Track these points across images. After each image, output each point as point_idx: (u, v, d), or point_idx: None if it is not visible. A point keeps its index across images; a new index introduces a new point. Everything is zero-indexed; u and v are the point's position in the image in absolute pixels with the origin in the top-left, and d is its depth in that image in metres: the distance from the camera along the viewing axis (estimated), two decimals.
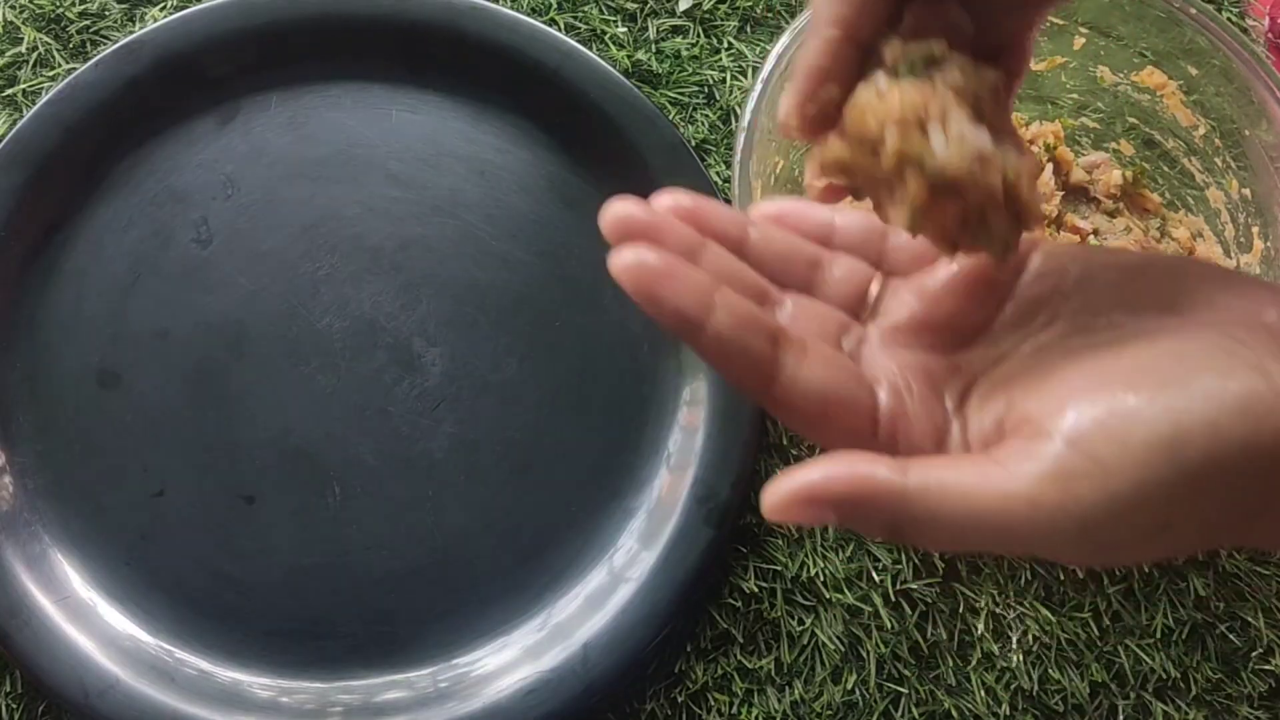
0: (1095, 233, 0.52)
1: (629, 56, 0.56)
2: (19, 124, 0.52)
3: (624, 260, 0.29)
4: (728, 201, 0.53)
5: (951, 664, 0.50)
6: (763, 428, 0.52)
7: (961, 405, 0.30)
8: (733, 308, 0.29)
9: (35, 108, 0.52)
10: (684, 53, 0.57)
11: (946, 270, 0.33)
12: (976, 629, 0.50)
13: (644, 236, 0.30)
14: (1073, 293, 0.31)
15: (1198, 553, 0.52)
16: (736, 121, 0.53)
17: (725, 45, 0.57)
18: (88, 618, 0.49)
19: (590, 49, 0.55)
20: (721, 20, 0.57)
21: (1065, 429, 0.26)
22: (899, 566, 0.51)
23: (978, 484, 0.26)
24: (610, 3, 0.57)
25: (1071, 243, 0.32)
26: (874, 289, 0.34)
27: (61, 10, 0.56)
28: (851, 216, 0.35)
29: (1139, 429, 0.26)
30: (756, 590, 0.50)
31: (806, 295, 0.33)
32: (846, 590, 0.50)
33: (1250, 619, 0.51)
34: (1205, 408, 0.26)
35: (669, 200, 0.31)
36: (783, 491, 0.27)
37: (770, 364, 0.29)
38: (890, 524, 0.27)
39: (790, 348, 0.30)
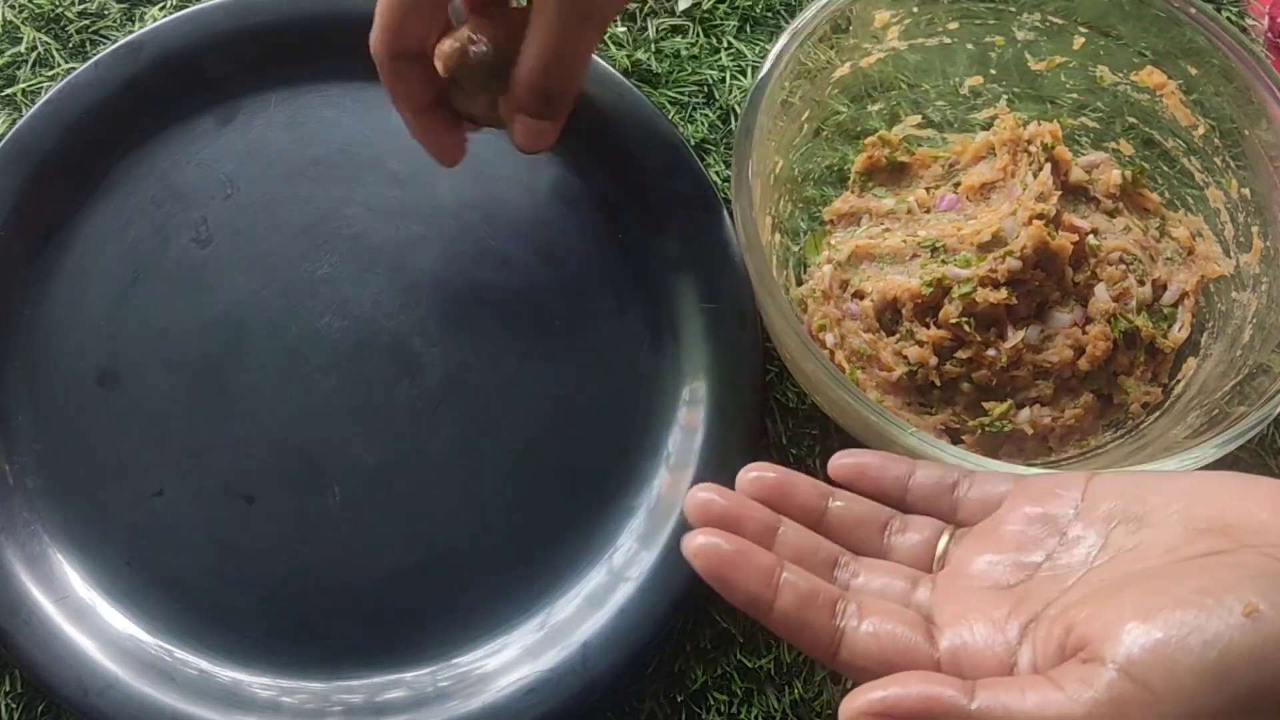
0: (1095, 232, 0.52)
1: (629, 56, 0.56)
2: (18, 124, 0.52)
3: (696, 544, 0.33)
4: (727, 201, 0.53)
5: None
6: (762, 427, 0.52)
7: (1025, 632, 0.32)
8: (796, 587, 0.33)
9: (35, 107, 0.52)
10: (683, 52, 0.57)
11: (1013, 510, 0.36)
12: None
13: (722, 523, 0.34)
14: (1133, 522, 0.33)
15: None
16: (736, 121, 0.53)
17: (725, 45, 0.57)
18: (87, 617, 0.49)
19: None
20: (721, 20, 0.57)
21: (1119, 656, 0.28)
22: None
23: (1038, 707, 0.28)
24: None
25: (1126, 473, 0.35)
26: (943, 544, 0.37)
27: (61, 10, 0.56)
28: (928, 471, 0.38)
29: (1187, 658, 0.28)
30: None
31: (879, 558, 0.37)
32: None
33: None
34: (1250, 639, 0.27)
35: (754, 478, 0.36)
36: (860, 704, 0.30)
37: (831, 633, 0.33)
38: None
39: (851, 612, 0.33)
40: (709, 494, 0.35)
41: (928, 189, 0.54)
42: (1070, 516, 0.35)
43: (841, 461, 0.39)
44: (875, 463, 0.39)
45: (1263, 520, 0.31)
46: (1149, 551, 0.32)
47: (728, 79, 0.56)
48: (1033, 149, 0.51)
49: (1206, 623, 0.28)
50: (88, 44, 0.56)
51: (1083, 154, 0.54)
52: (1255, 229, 0.50)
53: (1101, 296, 0.50)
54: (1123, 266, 0.51)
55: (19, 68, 0.55)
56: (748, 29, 0.58)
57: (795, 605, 0.33)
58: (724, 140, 0.56)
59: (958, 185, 0.53)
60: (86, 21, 0.56)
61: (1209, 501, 0.32)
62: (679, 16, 0.57)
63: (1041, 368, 0.50)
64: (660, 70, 0.56)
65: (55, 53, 0.55)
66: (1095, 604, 0.30)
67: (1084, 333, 0.50)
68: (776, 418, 0.52)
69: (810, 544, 0.36)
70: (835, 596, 0.34)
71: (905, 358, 0.50)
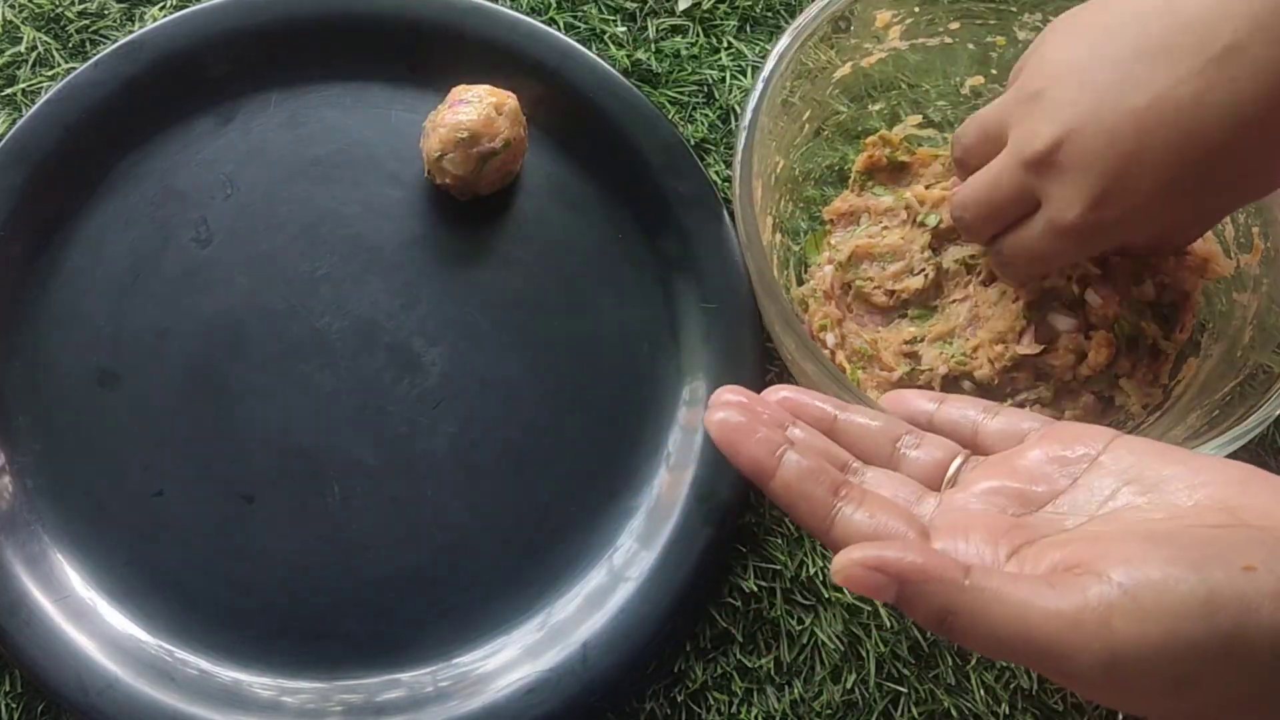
0: None
1: (628, 56, 0.56)
2: (18, 124, 0.52)
3: (715, 417, 0.35)
4: (727, 201, 0.53)
5: (951, 663, 0.50)
6: None
7: (1015, 553, 0.32)
8: (799, 462, 0.34)
9: (35, 107, 0.52)
10: (683, 52, 0.57)
11: (1034, 448, 0.36)
12: None
13: (739, 409, 0.36)
14: (1145, 484, 0.34)
15: None
16: (736, 121, 0.53)
17: (725, 45, 0.57)
18: (87, 617, 0.49)
19: (590, 48, 0.55)
20: (721, 20, 0.57)
21: (1117, 575, 0.29)
22: None
23: (1028, 597, 0.29)
24: (610, 2, 0.57)
25: (1151, 441, 0.36)
26: (955, 465, 0.38)
27: (61, 10, 0.56)
28: (959, 402, 0.40)
29: (1180, 587, 0.28)
30: (756, 589, 0.50)
31: (888, 469, 0.38)
32: (846, 589, 0.50)
33: None
34: (1242, 585, 0.28)
35: (776, 396, 0.38)
36: (856, 557, 0.30)
37: (828, 509, 0.34)
38: (939, 613, 0.30)
39: (851, 497, 0.34)
40: (735, 394, 0.36)
41: (927, 186, 0.54)
42: (1087, 465, 0.35)
43: (884, 397, 0.41)
44: (903, 395, 0.40)
45: (1267, 506, 0.32)
46: (1154, 512, 0.33)
47: (728, 79, 0.56)
48: None
49: (1205, 566, 0.29)
50: (88, 44, 0.56)
51: None
52: (1255, 229, 0.50)
53: (1094, 301, 0.50)
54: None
55: (19, 68, 0.55)
56: (748, 29, 0.58)
57: (797, 476, 0.34)
58: (724, 140, 0.56)
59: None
60: (86, 21, 0.56)
61: (1222, 484, 0.33)
62: (679, 16, 0.57)
63: (1043, 371, 0.50)
64: (660, 70, 0.56)
65: (55, 53, 0.55)
66: (1096, 539, 0.31)
67: (1086, 337, 0.50)
68: None
69: (821, 444, 0.37)
70: (839, 480, 0.35)
71: (907, 357, 0.50)
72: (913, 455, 0.38)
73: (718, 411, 0.35)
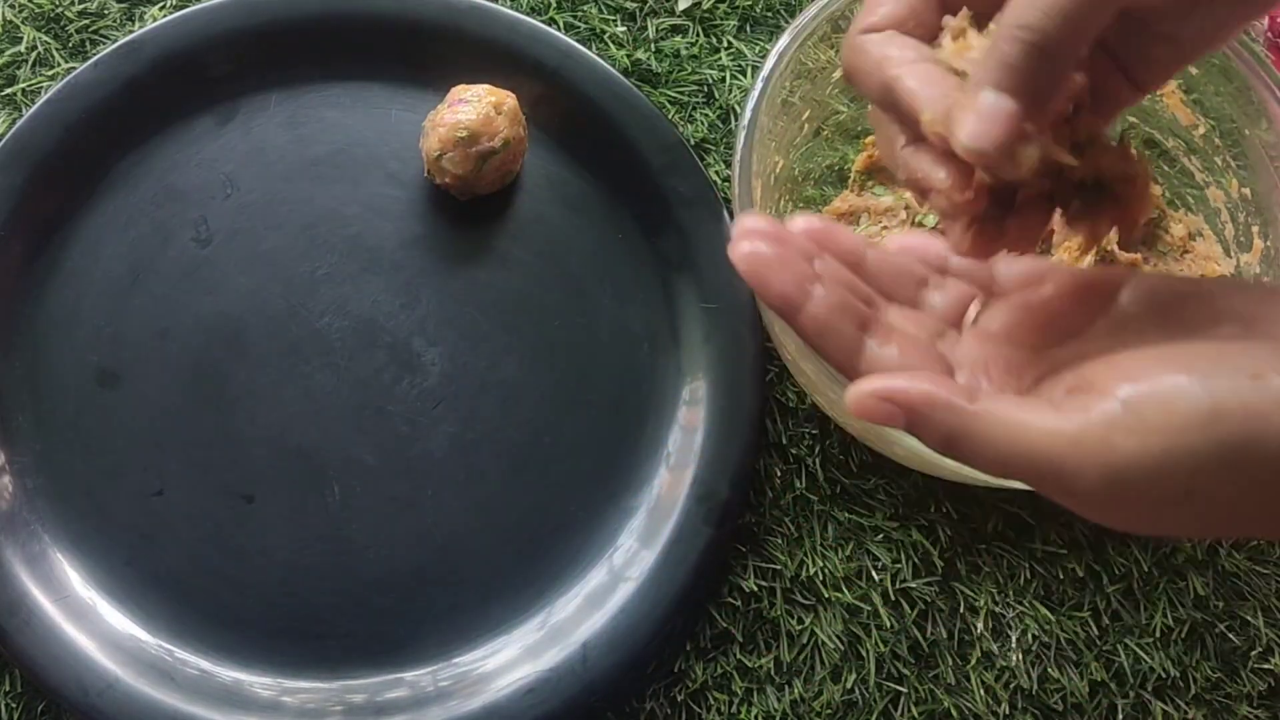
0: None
1: (628, 56, 0.56)
2: (18, 123, 0.52)
3: (741, 249, 0.34)
4: (727, 201, 0.53)
5: (951, 663, 0.50)
6: (762, 427, 0.52)
7: (1035, 386, 0.33)
8: (829, 296, 0.34)
9: (35, 107, 0.52)
10: (683, 52, 0.57)
11: (1054, 284, 0.36)
12: (976, 628, 0.50)
13: (766, 239, 0.34)
14: (1165, 311, 0.34)
15: (1215, 539, 0.52)
16: (736, 121, 0.53)
17: (725, 44, 0.57)
18: (87, 617, 0.49)
19: (590, 48, 0.55)
20: (721, 19, 0.57)
21: (1121, 391, 0.29)
22: (898, 565, 0.51)
23: (1031, 419, 0.30)
24: (610, 2, 0.57)
25: (1165, 275, 0.35)
26: (974, 307, 0.37)
27: (61, 9, 0.56)
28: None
29: (1184, 400, 0.28)
30: (756, 589, 0.50)
31: (911, 308, 0.37)
32: (846, 589, 0.50)
33: (1249, 618, 0.51)
34: (1247, 394, 0.28)
35: (801, 224, 0.36)
36: (866, 389, 0.31)
37: (857, 344, 0.34)
38: (947, 436, 0.30)
39: (877, 332, 0.34)
40: (758, 220, 0.35)
41: None
42: (1107, 300, 0.35)
43: (885, 241, 0.39)
44: (919, 241, 0.39)
45: None
46: (1173, 334, 0.32)
47: (728, 79, 0.56)
48: None
49: (1212, 376, 0.28)
50: (88, 44, 0.56)
51: None
52: (1255, 229, 0.50)
53: None
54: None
55: (19, 68, 0.55)
56: (748, 29, 0.58)
57: (825, 310, 0.34)
58: (724, 140, 0.56)
59: None
60: (86, 21, 0.56)
61: (1239, 300, 0.33)
62: (679, 16, 0.57)
63: None
64: (660, 70, 0.56)
65: (55, 53, 0.55)
66: (1107, 358, 0.31)
67: None
68: (776, 418, 0.52)
69: (847, 279, 0.36)
70: (866, 316, 0.34)
71: None
72: (935, 296, 0.38)
73: (744, 242, 0.34)
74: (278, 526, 0.50)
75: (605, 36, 0.57)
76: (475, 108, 0.50)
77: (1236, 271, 0.51)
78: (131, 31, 0.55)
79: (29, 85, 0.55)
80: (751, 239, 0.34)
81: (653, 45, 0.57)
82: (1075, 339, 0.35)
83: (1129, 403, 0.29)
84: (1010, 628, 0.51)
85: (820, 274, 0.34)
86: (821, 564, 0.51)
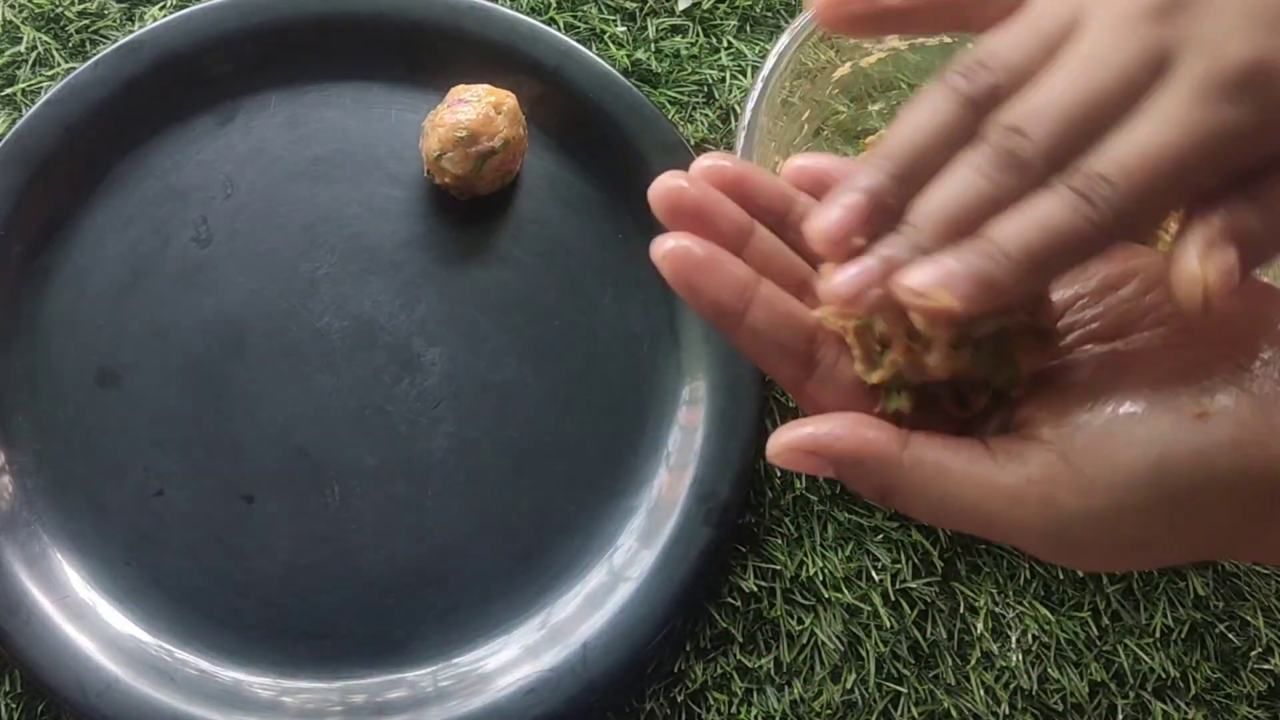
0: None
1: (628, 56, 0.56)
2: (18, 124, 0.52)
3: (666, 247, 0.28)
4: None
5: (951, 663, 0.50)
6: (762, 427, 0.52)
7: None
8: (771, 304, 0.29)
9: (34, 107, 0.52)
10: (683, 52, 0.57)
11: None
12: (976, 628, 0.50)
13: (694, 216, 0.29)
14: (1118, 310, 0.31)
15: (1183, 564, 0.52)
16: (736, 121, 0.53)
17: (725, 44, 0.57)
18: (87, 617, 0.49)
19: (590, 48, 0.55)
20: (721, 19, 0.57)
21: (1057, 439, 0.27)
22: (898, 566, 0.51)
23: (966, 471, 0.28)
24: (609, 2, 0.57)
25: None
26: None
27: (61, 9, 0.56)
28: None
29: (1127, 452, 0.27)
30: (756, 589, 0.50)
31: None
32: (846, 589, 0.50)
33: (1249, 618, 0.51)
34: (1194, 439, 0.26)
35: (708, 165, 0.30)
36: (788, 439, 0.28)
37: (805, 361, 0.30)
38: (880, 488, 0.28)
39: (828, 346, 0.30)
40: (678, 180, 0.29)
41: None
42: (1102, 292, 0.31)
43: (795, 166, 0.32)
44: (836, 165, 0.32)
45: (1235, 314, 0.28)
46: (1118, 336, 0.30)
47: (728, 79, 0.56)
48: None
49: (1153, 420, 0.27)
50: (88, 44, 0.56)
51: None
52: None
53: None
54: None
55: (19, 68, 0.55)
56: (748, 29, 0.58)
57: (768, 322, 0.29)
58: (724, 140, 0.56)
59: None
60: (86, 21, 0.56)
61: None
62: (679, 16, 0.57)
63: None
64: (660, 70, 0.56)
65: (55, 53, 0.55)
66: (1048, 385, 0.29)
67: None
68: (776, 418, 0.52)
69: (782, 256, 0.31)
70: (813, 325, 0.30)
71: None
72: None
73: (669, 239, 0.28)
74: (278, 526, 0.50)
75: (605, 36, 0.57)
76: (475, 108, 0.50)
77: None
78: (131, 31, 0.55)
79: (29, 85, 0.55)
80: (679, 235, 0.29)
81: (653, 45, 0.57)
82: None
83: (1066, 454, 0.27)
84: (1010, 628, 0.51)
85: (752, 262, 0.30)
86: (821, 564, 0.51)
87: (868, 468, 0.28)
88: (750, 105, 0.47)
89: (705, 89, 0.57)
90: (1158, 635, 0.51)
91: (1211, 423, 0.26)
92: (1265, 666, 0.51)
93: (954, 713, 0.49)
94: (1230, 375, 0.27)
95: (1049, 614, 0.51)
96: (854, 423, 0.28)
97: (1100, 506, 0.27)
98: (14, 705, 0.49)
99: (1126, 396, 0.27)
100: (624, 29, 0.57)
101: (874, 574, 0.51)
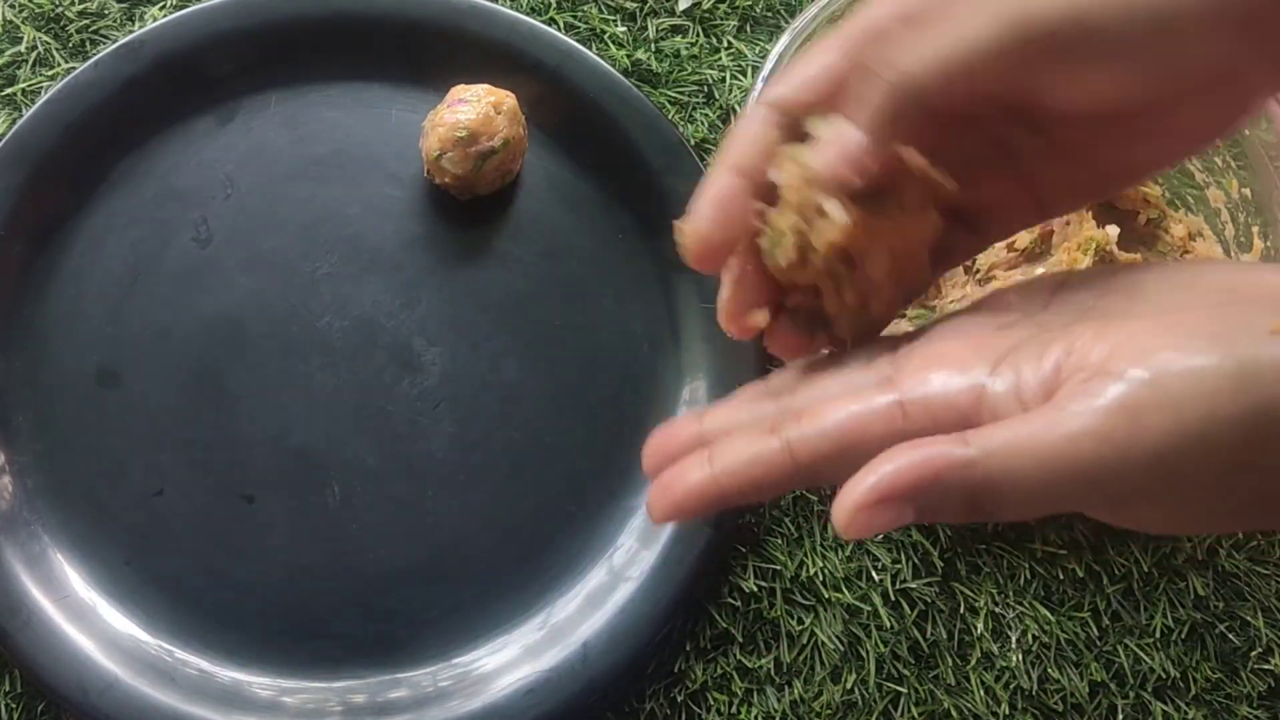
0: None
1: (628, 56, 0.56)
2: (18, 123, 0.52)
3: (654, 512, 0.32)
4: None
5: (951, 663, 0.50)
6: None
7: (1000, 366, 0.28)
8: (723, 448, 0.30)
9: (35, 107, 0.52)
10: (683, 52, 0.57)
11: (993, 294, 0.33)
12: (976, 628, 0.50)
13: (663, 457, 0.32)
14: (1127, 291, 0.30)
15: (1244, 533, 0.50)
16: (736, 121, 0.53)
17: (725, 44, 0.57)
18: (88, 617, 0.49)
19: (590, 48, 0.55)
20: (721, 19, 0.57)
21: (1132, 366, 0.26)
22: (898, 566, 0.51)
23: (1044, 430, 0.26)
24: (610, 2, 0.57)
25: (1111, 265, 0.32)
26: (905, 323, 0.34)
27: (61, 9, 0.56)
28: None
29: (1205, 366, 0.25)
30: (756, 590, 0.50)
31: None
32: (846, 590, 0.50)
33: (1249, 619, 0.51)
34: (1271, 351, 0.25)
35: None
36: (853, 501, 0.26)
37: (779, 453, 0.29)
38: (970, 499, 0.26)
39: (795, 415, 0.29)
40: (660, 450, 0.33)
41: None
42: (1054, 290, 0.31)
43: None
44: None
45: (1265, 278, 0.28)
46: (1149, 307, 0.29)
47: (728, 79, 0.56)
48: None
49: (1229, 336, 0.26)
50: (88, 44, 0.56)
51: None
52: (1255, 229, 0.50)
53: None
54: None
55: (19, 68, 0.55)
56: (748, 29, 0.58)
57: (732, 460, 0.29)
58: (723, 140, 0.56)
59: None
60: (86, 21, 0.56)
61: (1208, 274, 0.30)
62: (679, 16, 0.57)
63: None
64: (660, 70, 0.56)
65: (55, 53, 0.55)
66: (1099, 326, 0.27)
67: None
68: None
69: (738, 417, 0.32)
70: (773, 419, 0.29)
71: None
72: (849, 360, 0.32)
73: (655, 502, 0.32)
74: (278, 526, 0.50)
75: (605, 36, 0.57)
76: (474, 107, 0.50)
77: None
78: (131, 31, 0.55)
79: (29, 85, 0.55)
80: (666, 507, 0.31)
81: (653, 45, 0.57)
82: (1029, 320, 0.30)
83: (1147, 379, 0.25)
84: (1010, 628, 0.51)
85: (710, 427, 0.31)
86: (821, 564, 0.51)
87: (946, 481, 0.26)
88: (750, 105, 0.47)
89: (705, 89, 0.57)
90: (1158, 635, 0.51)
91: None
92: (1265, 666, 0.51)
93: (954, 713, 0.49)
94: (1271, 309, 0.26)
95: (1049, 614, 0.51)
96: (908, 447, 0.26)
97: (1192, 421, 0.25)
98: (14, 705, 0.49)
99: (1190, 329, 0.26)
100: (624, 29, 0.57)
101: (874, 574, 0.51)
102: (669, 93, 0.56)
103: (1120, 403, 0.25)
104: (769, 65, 0.48)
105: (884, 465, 0.26)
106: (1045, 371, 0.27)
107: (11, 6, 0.56)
